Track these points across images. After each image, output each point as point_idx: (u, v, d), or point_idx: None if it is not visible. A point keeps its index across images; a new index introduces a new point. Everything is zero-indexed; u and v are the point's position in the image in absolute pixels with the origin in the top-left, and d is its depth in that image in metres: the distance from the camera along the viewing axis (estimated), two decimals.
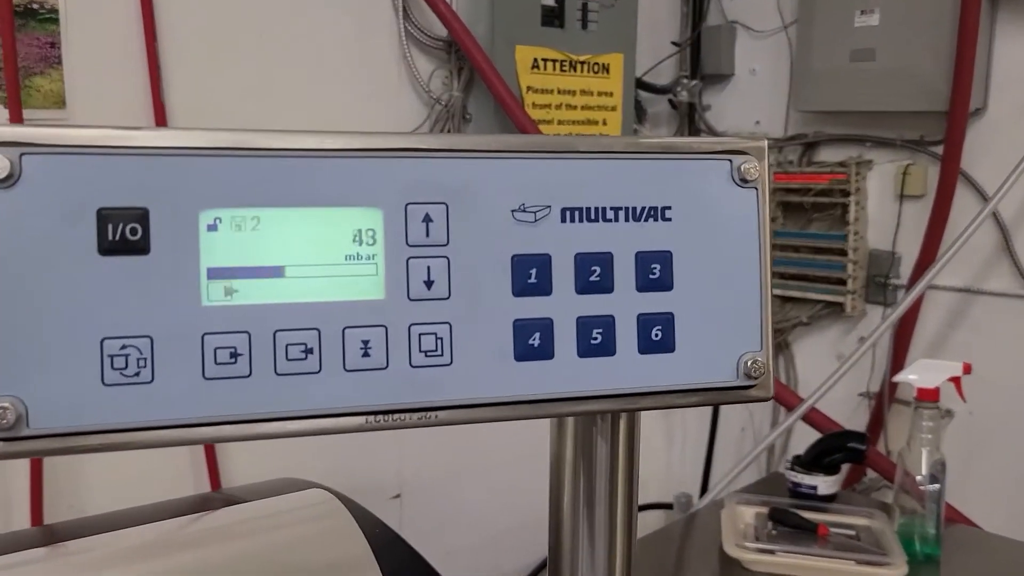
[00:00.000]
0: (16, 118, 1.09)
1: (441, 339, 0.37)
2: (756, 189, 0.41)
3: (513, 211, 0.38)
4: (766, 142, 0.42)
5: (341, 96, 1.47)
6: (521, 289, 0.38)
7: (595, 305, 0.39)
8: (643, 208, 0.40)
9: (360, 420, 0.37)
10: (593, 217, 0.39)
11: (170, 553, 0.43)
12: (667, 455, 1.99)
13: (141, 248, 0.34)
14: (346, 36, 1.48)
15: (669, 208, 0.40)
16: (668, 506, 1.83)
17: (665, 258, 0.40)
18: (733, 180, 0.41)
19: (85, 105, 1.19)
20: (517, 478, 1.61)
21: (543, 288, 0.38)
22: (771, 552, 1.14)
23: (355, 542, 0.45)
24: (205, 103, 1.31)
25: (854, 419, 1.85)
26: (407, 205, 0.37)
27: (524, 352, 0.38)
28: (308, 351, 0.36)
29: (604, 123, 1.75)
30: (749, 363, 0.41)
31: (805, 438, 1.56)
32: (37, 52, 1.16)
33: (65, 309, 0.33)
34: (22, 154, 0.33)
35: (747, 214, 0.41)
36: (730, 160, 0.41)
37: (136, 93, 1.24)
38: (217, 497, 0.91)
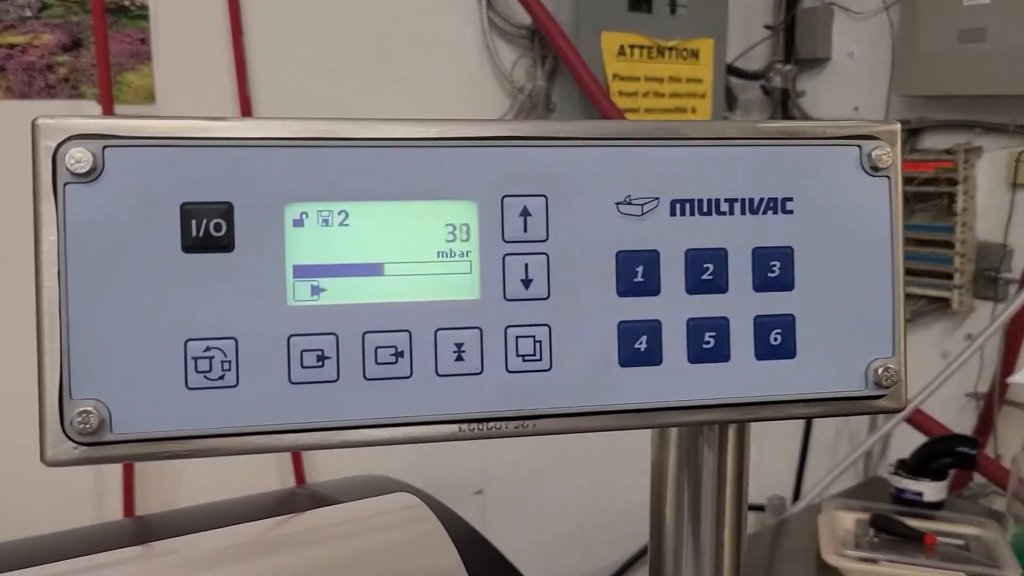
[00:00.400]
0: (108, 113, 1.11)
1: (540, 342, 0.34)
2: (888, 178, 0.37)
3: (618, 204, 0.35)
4: (899, 126, 0.38)
5: (423, 86, 1.46)
6: (627, 289, 0.35)
7: (708, 306, 0.36)
8: (761, 200, 0.36)
9: (453, 428, 0.34)
10: (706, 210, 0.36)
11: (255, 559, 0.41)
12: (758, 454, 1.92)
13: (225, 245, 0.32)
14: (428, 25, 1.46)
15: (790, 199, 0.36)
16: (760, 508, 1.77)
17: (785, 254, 0.36)
18: (862, 168, 0.37)
19: (174, 99, 1.21)
20: (604, 472, 1.57)
21: (651, 288, 0.35)
22: (874, 561, 1.09)
23: (446, 552, 0.43)
24: (288, 95, 1.31)
25: (960, 421, 1.76)
26: (503, 198, 0.34)
27: (630, 357, 0.35)
28: (398, 354, 0.33)
29: (693, 111, 1.69)
30: (880, 371, 0.37)
31: (905, 441, 1.49)
32: (128, 48, 1.17)
33: (149, 309, 0.32)
34: (105, 147, 0.31)
35: (878, 205, 0.37)
36: (859, 146, 0.37)
37: (223, 87, 1.25)
38: (302, 494, 0.91)
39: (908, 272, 1.82)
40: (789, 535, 1.29)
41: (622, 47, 1.58)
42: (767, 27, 1.95)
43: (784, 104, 1.97)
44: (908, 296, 1.83)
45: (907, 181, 1.80)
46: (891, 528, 1.15)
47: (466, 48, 1.51)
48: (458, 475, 1.56)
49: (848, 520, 1.19)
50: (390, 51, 1.42)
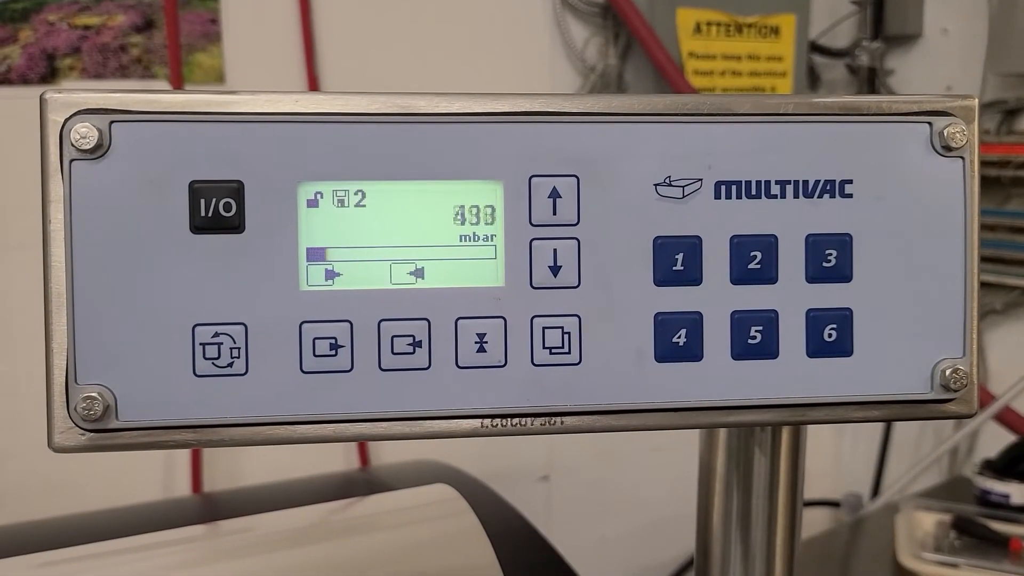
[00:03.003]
0: None
1: (568, 334, 0.32)
2: (963, 159, 0.33)
3: (657, 185, 0.32)
4: (976, 101, 0.34)
5: (492, 66, 1.43)
6: (665, 277, 0.32)
7: (754, 298, 0.33)
8: (817, 182, 0.33)
9: (474, 424, 0.32)
10: (754, 193, 0.33)
11: (268, 551, 0.40)
12: (836, 447, 1.86)
13: (235, 226, 0.31)
14: (498, 3, 1.44)
15: (850, 182, 0.33)
16: (835, 504, 1.71)
17: (843, 242, 0.33)
18: (933, 147, 0.33)
19: (243, 80, 1.22)
20: (678, 461, 1.52)
21: (691, 277, 0.33)
22: (954, 565, 1.04)
23: (478, 548, 0.41)
24: (357, 75, 1.31)
25: None
26: (531, 178, 0.32)
27: (667, 352, 0.33)
28: (416, 344, 0.31)
29: (773, 91, 1.63)
30: (947, 372, 0.33)
31: (994, 440, 1.41)
32: (199, 29, 1.18)
33: (155, 292, 0.30)
34: (112, 122, 0.30)
35: (950, 189, 0.33)
36: (929, 123, 0.33)
37: (292, 67, 1.25)
38: (359, 479, 0.91)
39: (1003, 261, 1.72)
40: (865, 535, 1.23)
41: (698, 24, 1.53)
42: (853, 2, 1.86)
43: (871, 83, 1.88)
44: (1002, 287, 1.73)
45: (1003, 165, 1.70)
46: (974, 531, 1.10)
47: (536, 26, 1.48)
48: (524, 460, 1.55)
49: (928, 521, 1.14)
50: (459, 29, 1.41)
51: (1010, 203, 1.74)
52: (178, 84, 1.13)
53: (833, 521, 1.70)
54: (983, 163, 1.73)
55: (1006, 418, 1.40)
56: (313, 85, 1.25)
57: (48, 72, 1.14)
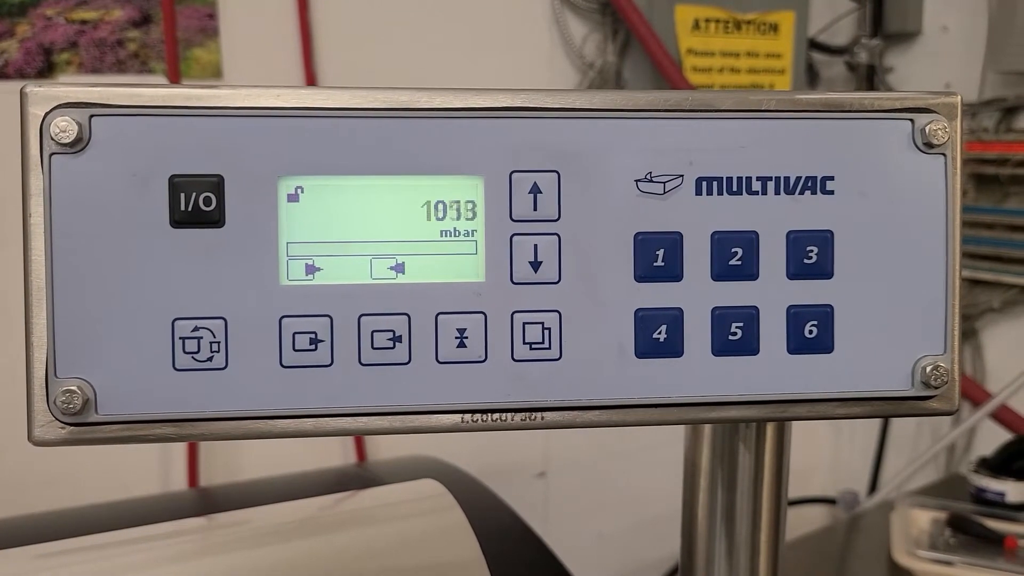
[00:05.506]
0: None
1: (549, 329, 0.32)
2: (944, 155, 0.33)
3: (638, 181, 0.32)
4: (959, 98, 0.34)
5: (490, 62, 1.43)
6: (645, 273, 0.32)
7: (735, 294, 0.33)
8: (798, 178, 0.33)
9: (454, 419, 0.32)
10: (735, 189, 0.33)
11: (251, 547, 0.40)
12: (833, 445, 1.86)
13: (215, 220, 0.31)
14: (496, 0, 1.44)
15: (831, 178, 0.33)
16: (831, 501, 1.71)
17: (824, 239, 0.33)
18: (915, 144, 0.33)
19: (240, 75, 1.21)
20: (676, 458, 1.52)
21: (672, 273, 0.33)
22: (949, 563, 1.03)
23: (463, 544, 0.41)
24: (354, 70, 1.30)
25: None
26: (512, 173, 0.32)
27: (647, 348, 0.33)
28: (396, 339, 0.32)
29: (771, 87, 1.63)
30: (928, 369, 0.33)
31: (991, 438, 1.41)
32: (196, 24, 1.18)
33: (135, 286, 0.30)
34: (92, 116, 0.30)
35: (932, 186, 0.33)
36: (911, 120, 0.33)
37: (289, 62, 1.25)
38: (353, 474, 0.91)
39: (1000, 260, 1.72)
40: (860, 532, 1.23)
41: (697, 21, 1.52)
42: None
43: (871, 80, 1.88)
44: (1000, 285, 1.73)
45: (1001, 163, 1.70)
46: (969, 529, 1.09)
47: (535, 22, 1.47)
48: (521, 456, 1.55)
49: (923, 519, 1.14)
50: (458, 26, 1.40)
51: (1008, 201, 1.73)
52: (175, 79, 1.13)
53: (829, 518, 1.70)
54: (981, 161, 1.73)
55: (1002, 416, 1.40)
56: (311, 81, 1.25)
57: (45, 67, 1.14)
